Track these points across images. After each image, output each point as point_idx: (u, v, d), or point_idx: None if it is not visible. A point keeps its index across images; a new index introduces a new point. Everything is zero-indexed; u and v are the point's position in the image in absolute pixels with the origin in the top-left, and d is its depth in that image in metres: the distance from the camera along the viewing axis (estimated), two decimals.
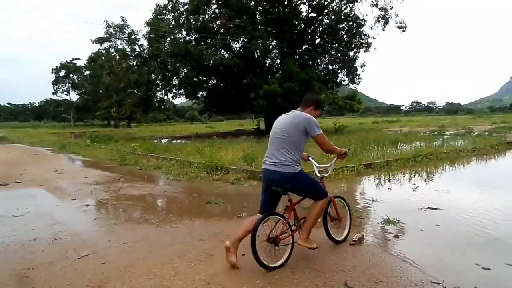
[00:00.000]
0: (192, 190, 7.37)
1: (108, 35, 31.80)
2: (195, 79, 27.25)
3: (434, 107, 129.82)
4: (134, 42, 31.33)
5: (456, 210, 5.42)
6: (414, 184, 7.36)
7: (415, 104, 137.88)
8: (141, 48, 30.86)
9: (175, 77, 27.73)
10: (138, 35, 31.29)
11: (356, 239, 4.03)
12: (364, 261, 3.61)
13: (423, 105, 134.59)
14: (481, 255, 3.71)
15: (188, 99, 33.33)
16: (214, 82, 28.59)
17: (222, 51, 27.37)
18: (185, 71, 26.66)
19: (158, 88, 30.08)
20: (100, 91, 42.99)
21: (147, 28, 27.19)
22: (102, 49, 33.60)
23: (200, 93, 29.77)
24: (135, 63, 30.32)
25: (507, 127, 23.83)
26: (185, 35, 26.91)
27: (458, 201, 6.01)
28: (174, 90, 29.02)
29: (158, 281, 3.22)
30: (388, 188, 7.21)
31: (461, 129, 23.01)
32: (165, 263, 3.60)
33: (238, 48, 27.44)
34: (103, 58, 33.51)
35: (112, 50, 33.07)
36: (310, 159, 3.97)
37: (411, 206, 5.66)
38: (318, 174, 3.97)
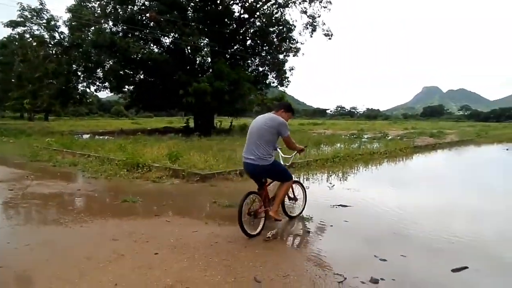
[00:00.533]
0: (110, 188, 7.04)
1: (22, 19, 28.80)
2: (121, 72, 25.98)
3: (356, 112, 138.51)
4: (53, 29, 28.70)
5: (364, 207, 5.87)
6: (330, 183, 7.84)
7: (339, 108, 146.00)
8: (61, 36, 28.42)
9: (99, 69, 26.15)
10: (58, 21, 28.79)
11: (270, 235, 4.18)
12: (275, 256, 3.75)
13: (346, 110, 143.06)
14: (380, 248, 4.06)
15: (113, 93, 31.67)
16: (142, 76, 27.48)
17: (152, 45, 26.47)
18: (110, 63, 25.28)
19: (79, 80, 28.09)
20: (12, 80, 38.80)
21: (69, 15, 25.30)
22: (15, 34, 30.37)
23: (127, 87, 28.42)
24: (54, 52, 27.89)
25: (417, 132, 26.36)
26: (112, 26, 25.50)
27: (366, 199, 6.50)
28: (97, 83, 27.34)
29: (61, 285, 3.03)
30: (307, 186, 7.54)
31: (377, 133, 24.89)
32: (71, 265, 3.39)
33: (168, 44, 26.73)
34: (16, 43, 30.26)
35: (28, 36, 30.07)
36: (278, 149, 4.79)
37: (325, 204, 6.01)
38: (282, 162, 4.91)
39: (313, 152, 12.73)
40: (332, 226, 4.83)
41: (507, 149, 17.12)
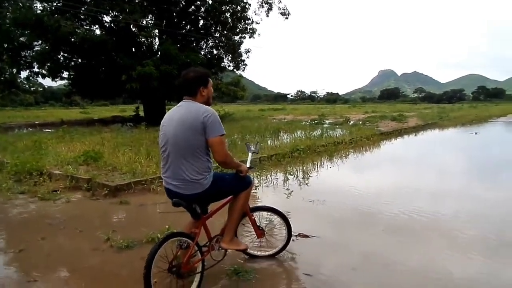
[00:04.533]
0: None
1: None
2: (59, 56, 22.86)
3: (316, 96, 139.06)
4: None
5: (333, 236, 4.03)
6: (287, 189, 5.90)
7: (299, 93, 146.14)
8: None
9: (25, 52, 22.80)
10: None
11: None
12: None
13: (307, 94, 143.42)
14: None
15: (44, 79, 28.28)
16: (80, 61, 24.32)
17: (91, 25, 23.38)
18: (40, 45, 22.07)
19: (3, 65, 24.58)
20: None
21: None
22: None
23: (66, 73, 25.16)
24: None
25: (378, 116, 25.40)
26: (41, 2, 22.06)
27: (335, 221, 4.72)
28: (26, 68, 23.89)
29: None
30: (257, 197, 5.70)
31: (339, 118, 23.61)
32: None
33: (109, 23, 23.72)
34: None
35: None
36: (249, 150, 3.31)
37: None
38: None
39: (270, 143, 10.98)
40: (285, 284, 2.95)
41: (475, 133, 16.22)
